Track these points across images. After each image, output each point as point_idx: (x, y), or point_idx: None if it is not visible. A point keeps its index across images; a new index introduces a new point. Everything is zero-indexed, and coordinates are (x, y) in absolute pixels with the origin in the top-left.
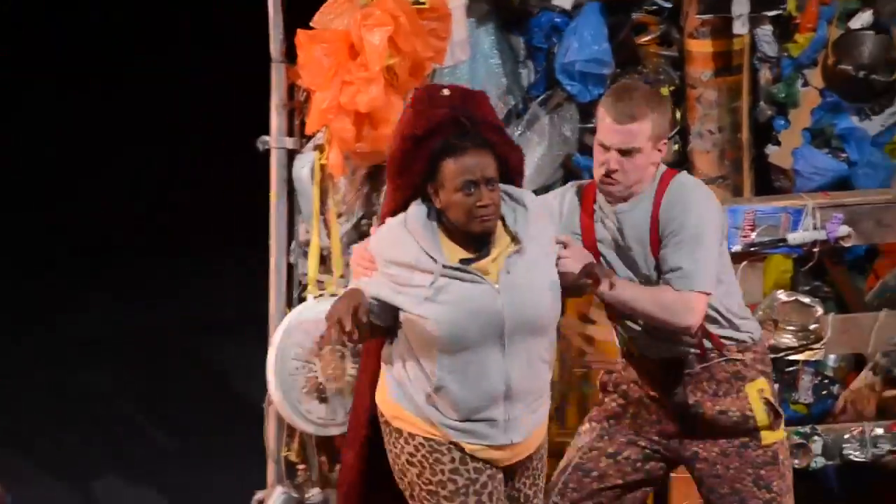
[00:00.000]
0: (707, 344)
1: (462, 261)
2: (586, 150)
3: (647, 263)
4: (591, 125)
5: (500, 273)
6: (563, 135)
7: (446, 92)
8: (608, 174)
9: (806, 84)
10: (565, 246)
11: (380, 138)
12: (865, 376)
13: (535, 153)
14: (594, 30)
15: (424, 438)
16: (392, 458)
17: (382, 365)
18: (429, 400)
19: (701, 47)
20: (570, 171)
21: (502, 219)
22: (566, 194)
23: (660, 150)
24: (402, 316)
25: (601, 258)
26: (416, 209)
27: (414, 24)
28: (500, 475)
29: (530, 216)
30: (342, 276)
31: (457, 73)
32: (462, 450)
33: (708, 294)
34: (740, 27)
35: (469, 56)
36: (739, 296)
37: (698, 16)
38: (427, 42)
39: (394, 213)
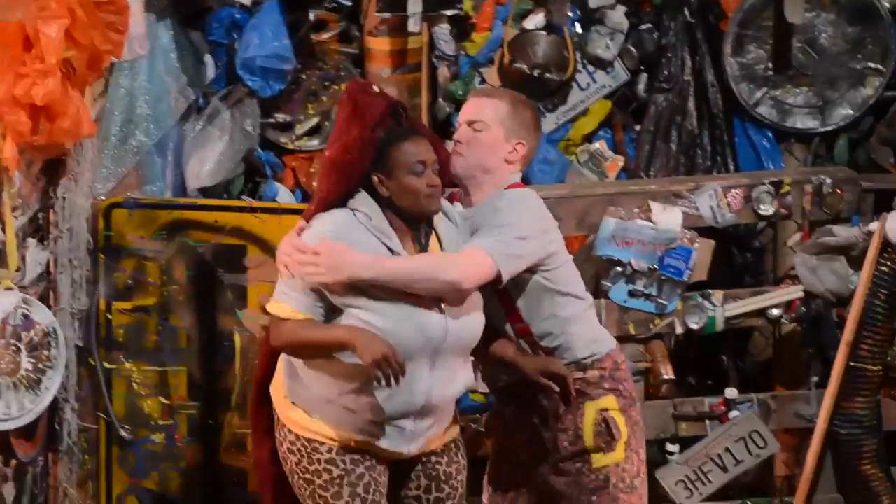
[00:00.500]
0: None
1: None
2: (267, 145)
3: None
4: (272, 120)
5: None
6: (245, 129)
7: (376, 88)
8: (457, 145)
9: (483, 82)
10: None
11: (57, 131)
12: None
13: (217, 147)
14: (274, 26)
15: (299, 435)
16: (277, 444)
17: (282, 357)
18: (343, 397)
19: (380, 45)
20: (252, 165)
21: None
22: None
23: (514, 149)
24: (345, 313)
25: None
26: (371, 205)
27: (91, 17)
28: (382, 466)
29: (461, 231)
30: (18, 270)
31: (136, 68)
32: (340, 447)
33: (495, 265)
34: (413, 26)
35: (148, 50)
36: (587, 311)
37: (377, 14)
38: (105, 35)
39: (332, 205)
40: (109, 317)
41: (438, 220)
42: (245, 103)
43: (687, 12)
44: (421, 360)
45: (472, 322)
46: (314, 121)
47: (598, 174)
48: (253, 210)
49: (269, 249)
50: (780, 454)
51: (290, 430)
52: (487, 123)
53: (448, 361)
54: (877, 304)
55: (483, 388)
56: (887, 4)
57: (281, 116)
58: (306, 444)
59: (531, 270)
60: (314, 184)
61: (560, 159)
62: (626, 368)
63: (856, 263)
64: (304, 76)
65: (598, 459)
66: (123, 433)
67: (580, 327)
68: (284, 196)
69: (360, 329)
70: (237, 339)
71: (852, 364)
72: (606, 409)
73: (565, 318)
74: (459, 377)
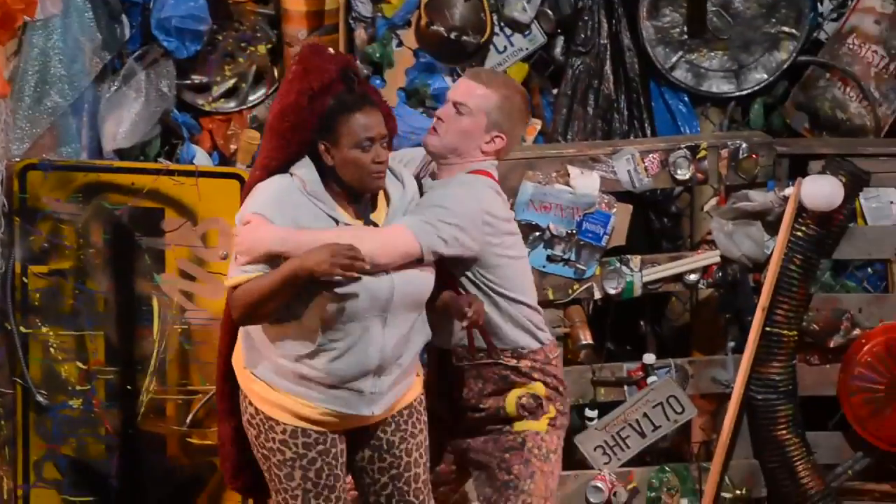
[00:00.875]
0: (480, 343)
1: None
2: (184, 106)
3: None
4: (188, 81)
5: None
6: (161, 90)
7: (332, 50)
8: (437, 121)
9: (400, 44)
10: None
11: None
12: None
13: (133, 109)
14: None
15: (259, 409)
16: (240, 414)
17: (241, 330)
18: (298, 363)
19: (296, 5)
20: (167, 126)
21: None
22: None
23: (493, 141)
24: None
25: None
26: (310, 170)
27: None
28: (339, 447)
29: (407, 194)
30: None
31: (49, 27)
32: (295, 427)
33: (416, 242)
34: None
35: (62, 10)
36: (530, 300)
37: None
38: None
39: (273, 171)
40: (25, 280)
41: (389, 185)
42: (161, 64)
43: None
44: (371, 318)
45: (419, 278)
46: (231, 82)
47: None
48: (170, 172)
49: (186, 212)
50: (697, 419)
51: (250, 403)
52: (472, 109)
53: (399, 318)
54: (792, 269)
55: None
56: None
57: (197, 78)
58: (264, 419)
59: (468, 268)
60: (231, 146)
61: None
62: (559, 364)
63: (771, 228)
64: (220, 37)
65: (519, 424)
66: (40, 398)
67: (522, 320)
68: (202, 158)
69: (304, 252)
70: (155, 303)
71: (768, 329)
72: (533, 393)
73: (508, 318)
74: (414, 333)
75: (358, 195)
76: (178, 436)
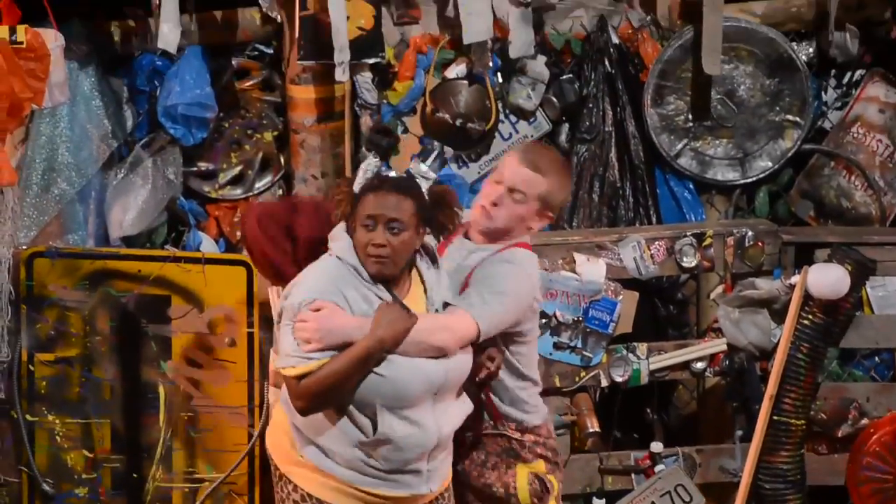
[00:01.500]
0: (485, 417)
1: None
2: (190, 193)
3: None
4: (195, 168)
5: None
6: (168, 178)
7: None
8: (491, 205)
9: (406, 131)
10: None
11: None
12: None
13: (139, 196)
14: (196, 73)
15: (309, 493)
16: (278, 499)
17: (281, 410)
18: (363, 451)
19: (303, 93)
20: (174, 213)
21: (418, 269)
22: None
23: (541, 220)
24: None
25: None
26: (351, 251)
27: (11, 64)
28: None
29: (442, 276)
30: None
31: (57, 115)
32: None
33: (478, 329)
34: (341, 74)
35: (69, 98)
36: (537, 378)
37: (299, 62)
38: (25, 83)
39: None
40: (32, 368)
41: (420, 265)
42: (167, 151)
43: (607, 63)
44: (424, 400)
45: (466, 360)
46: (237, 169)
47: None
48: (176, 260)
49: (193, 299)
50: None
51: (295, 488)
52: (527, 196)
53: (446, 397)
54: (799, 357)
55: None
56: (804, 57)
57: (204, 165)
58: (304, 496)
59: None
60: (237, 233)
61: None
62: (554, 438)
63: (778, 316)
64: (226, 124)
65: None
66: (46, 487)
67: (528, 397)
68: (208, 245)
69: (370, 327)
70: (161, 390)
71: (776, 418)
72: (535, 473)
73: (517, 393)
74: (457, 407)
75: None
76: None
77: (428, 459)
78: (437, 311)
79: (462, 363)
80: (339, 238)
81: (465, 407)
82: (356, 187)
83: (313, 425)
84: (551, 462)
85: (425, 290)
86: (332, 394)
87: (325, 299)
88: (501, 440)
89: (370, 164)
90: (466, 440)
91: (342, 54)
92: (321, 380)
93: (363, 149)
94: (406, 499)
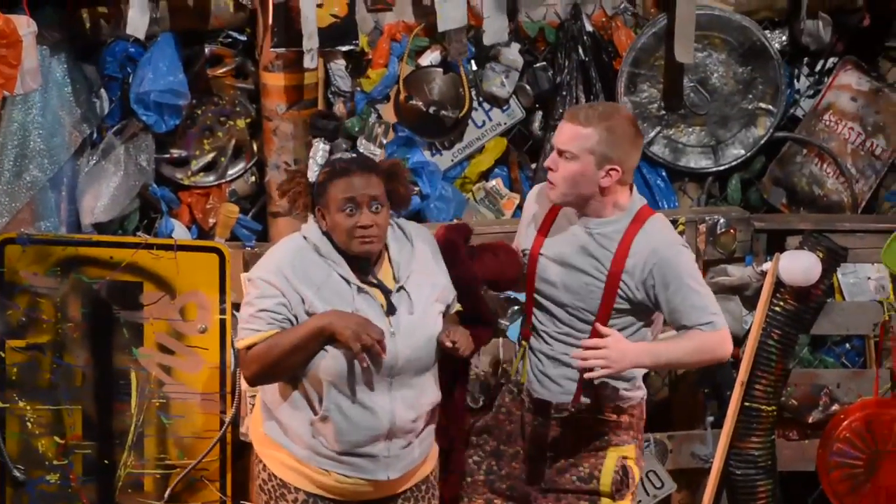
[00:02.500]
0: (583, 398)
1: (360, 289)
2: (163, 180)
3: (594, 280)
4: (167, 155)
5: (392, 303)
6: (139, 165)
7: None
8: (550, 172)
9: (380, 118)
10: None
11: None
12: None
13: (111, 183)
14: (169, 60)
15: (273, 474)
16: (253, 476)
17: (259, 391)
18: (313, 428)
19: (275, 80)
20: (146, 200)
21: (387, 248)
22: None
23: (608, 175)
24: None
25: (537, 269)
26: (318, 233)
27: None
28: None
29: (416, 254)
30: None
31: (29, 102)
32: (310, 494)
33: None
34: (309, 62)
35: (41, 84)
36: None
37: (272, 49)
38: None
39: None
40: (2, 354)
41: (392, 243)
42: (140, 138)
43: (581, 51)
44: (377, 382)
45: (422, 344)
46: (210, 156)
47: (494, 212)
48: (149, 246)
49: (165, 286)
50: (676, 494)
51: (264, 468)
52: (577, 154)
53: (407, 381)
54: (770, 344)
55: None
56: (777, 45)
57: (176, 152)
58: (277, 486)
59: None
60: (210, 220)
61: (456, 197)
62: (644, 419)
63: (749, 303)
64: (199, 111)
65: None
66: (17, 473)
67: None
68: (180, 232)
69: (332, 311)
70: (133, 377)
71: (747, 404)
72: (626, 458)
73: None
74: (423, 396)
75: (355, 257)
76: None
77: (385, 443)
78: (402, 287)
79: (419, 346)
80: (309, 226)
81: (430, 398)
82: (311, 175)
83: (274, 398)
84: (639, 447)
85: (390, 263)
86: (277, 367)
87: (269, 279)
88: (595, 422)
89: (318, 149)
90: (560, 423)
91: (311, 41)
92: (264, 351)
93: (310, 136)
94: (363, 483)
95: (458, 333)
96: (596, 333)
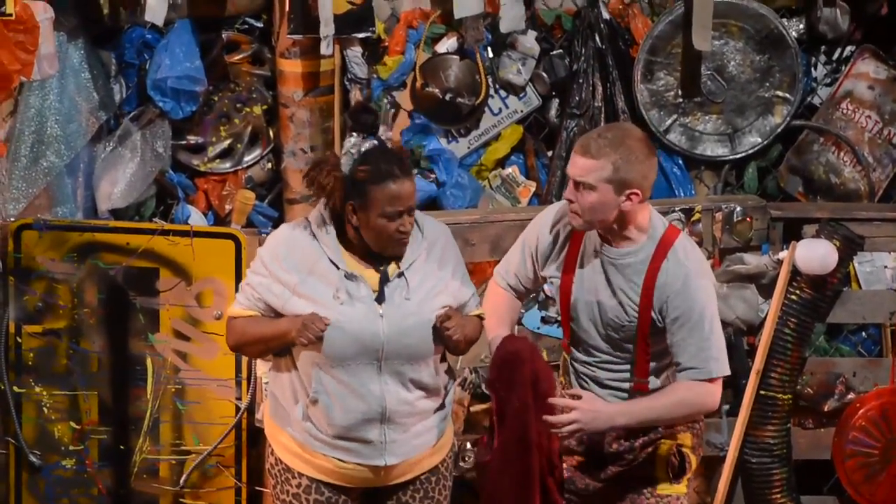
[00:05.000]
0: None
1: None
2: (179, 167)
3: (624, 314)
4: (184, 142)
5: (384, 290)
6: (156, 151)
7: None
8: (570, 203)
9: (396, 105)
10: (448, 317)
11: None
12: (454, 391)
13: (128, 169)
14: (186, 47)
15: (279, 458)
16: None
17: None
18: (306, 411)
19: (292, 67)
20: (163, 186)
21: None
22: (563, 222)
23: (629, 199)
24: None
25: (570, 311)
26: (321, 216)
27: (0, 36)
28: None
29: (423, 244)
30: None
31: (46, 88)
32: (312, 479)
33: (723, 376)
34: (325, 48)
35: (58, 70)
36: None
37: (289, 36)
38: (14, 54)
39: None
40: (19, 340)
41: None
42: (156, 124)
43: (598, 38)
44: (362, 365)
45: (413, 330)
46: (226, 143)
47: (510, 199)
48: (165, 233)
49: (181, 272)
50: (692, 482)
51: (272, 452)
52: (594, 185)
53: (399, 367)
54: (786, 332)
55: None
56: (794, 33)
57: (193, 138)
58: (282, 470)
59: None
60: (226, 206)
61: (472, 184)
62: None
63: (766, 291)
64: (215, 98)
65: (664, 487)
66: (33, 458)
67: None
68: (196, 218)
69: (291, 319)
70: (149, 363)
71: (762, 393)
72: (682, 445)
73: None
74: (418, 383)
75: (376, 256)
76: (171, 496)
77: (380, 428)
78: (402, 273)
79: (408, 333)
80: (318, 209)
81: (427, 385)
82: (345, 169)
83: (276, 383)
84: (696, 435)
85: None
86: (246, 348)
87: (264, 258)
88: None
89: (354, 143)
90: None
91: (327, 28)
92: (239, 329)
93: (347, 129)
94: (361, 469)
95: (457, 318)
96: (641, 355)
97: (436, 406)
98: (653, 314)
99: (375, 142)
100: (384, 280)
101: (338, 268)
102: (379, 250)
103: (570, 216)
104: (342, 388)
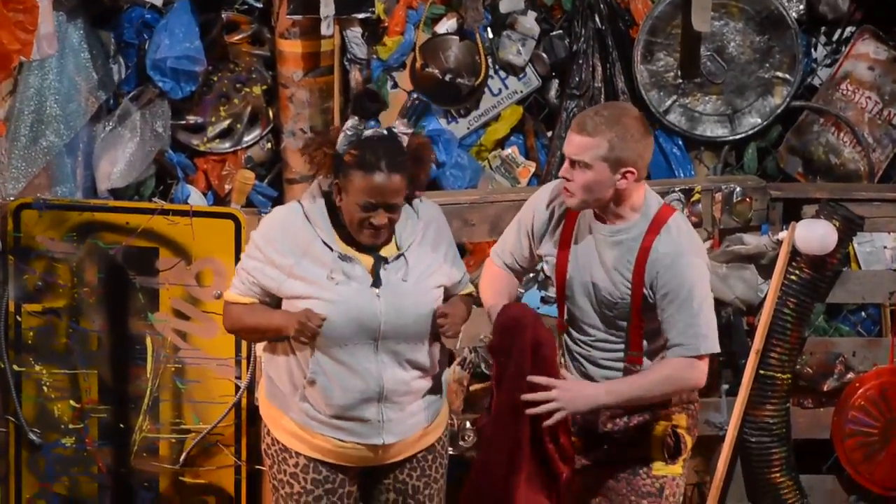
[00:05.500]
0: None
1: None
2: (178, 146)
3: (617, 291)
4: (183, 122)
5: (380, 274)
6: (156, 131)
7: None
8: (566, 181)
9: (395, 86)
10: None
11: None
12: (454, 370)
13: (127, 149)
14: (185, 27)
15: (276, 439)
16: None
17: (264, 360)
18: (303, 392)
19: (292, 47)
20: (162, 166)
21: None
22: (558, 200)
23: (624, 178)
24: (284, 304)
25: (565, 289)
26: (314, 198)
27: None
28: (347, 489)
29: (419, 226)
30: None
31: (45, 67)
32: (310, 458)
33: (711, 353)
34: (326, 29)
35: (57, 50)
36: None
37: (288, 16)
38: (13, 34)
39: None
40: (19, 319)
41: (404, 220)
42: (156, 104)
43: (597, 19)
44: (360, 345)
45: (409, 311)
46: (226, 123)
47: (510, 180)
48: (164, 212)
49: (180, 252)
50: (690, 462)
51: (268, 432)
52: (590, 163)
53: (396, 346)
54: (786, 312)
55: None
56: (794, 14)
57: (192, 118)
58: (279, 450)
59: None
60: (226, 186)
61: (472, 165)
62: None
63: (765, 272)
64: (215, 78)
65: (658, 468)
66: (33, 437)
67: None
68: (196, 198)
69: (285, 315)
70: (149, 342)
71: (761, 372)
72: (677, 426)
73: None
74: (415, 363)
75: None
76: (170, 475)
77: (377, 407)
78: (402, 254)
79: (404, 313)
80: (310, 190)
81: (424, 365)
82: (339, 148)
83: (271, 364)
84: (691, 416)
85: (393, 232)
86: (242, 333)
87: (258, 242)
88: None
89: (352, 125)
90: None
91: (327, 8)
92: (236, 315)
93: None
94: (360, 449)
95: (454, 314)
96: (635, 332)
97: (432, 385)
98: (644, 290)
99: (385, 131)
100: (378, 262)
101: (331, 249)
102: (353, 234)
103: (563, 195)
104: (340, 368)
